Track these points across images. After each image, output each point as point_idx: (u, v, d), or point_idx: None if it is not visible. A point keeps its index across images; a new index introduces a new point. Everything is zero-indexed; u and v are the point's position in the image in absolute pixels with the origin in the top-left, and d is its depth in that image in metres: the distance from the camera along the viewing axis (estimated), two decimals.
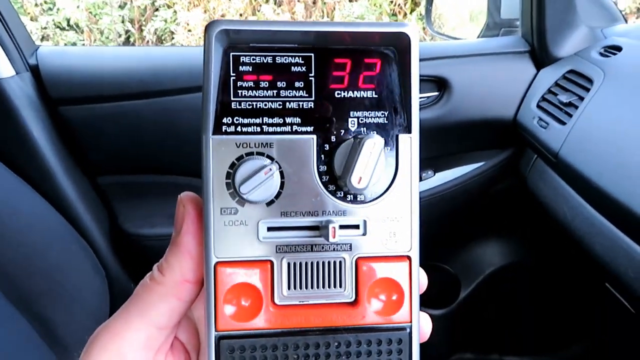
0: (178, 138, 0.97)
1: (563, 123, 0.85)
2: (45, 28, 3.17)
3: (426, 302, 1.13)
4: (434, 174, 1.05)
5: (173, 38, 3.27)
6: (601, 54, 0.91)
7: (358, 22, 0.29)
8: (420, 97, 1.00)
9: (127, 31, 3.30)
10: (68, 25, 3.24)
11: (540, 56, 1.01)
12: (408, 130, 0.29)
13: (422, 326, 0.30)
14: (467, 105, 1.01)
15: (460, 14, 1.88)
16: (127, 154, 0.99)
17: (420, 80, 1.02)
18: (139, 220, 1.00)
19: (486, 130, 1.04)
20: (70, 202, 0.94)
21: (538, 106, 0.94)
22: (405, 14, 3.29)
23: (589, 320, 1.11)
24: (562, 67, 0.95)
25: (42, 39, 3.15)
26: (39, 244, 0.85)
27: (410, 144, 0.29)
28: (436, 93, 1.01)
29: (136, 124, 0.97)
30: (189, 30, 3.25)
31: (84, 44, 3.22)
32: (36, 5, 3.19)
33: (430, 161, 1.06)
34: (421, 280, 0.30)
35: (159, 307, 0.28)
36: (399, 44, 0.28)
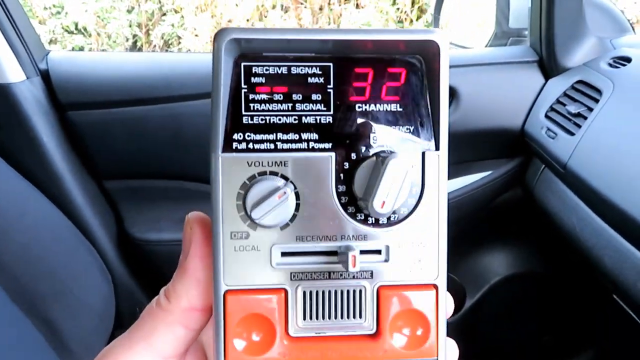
0: (186, 144, 0.98)
1: (572, 134, 0.84)
2: (53, 31, 3.19)
3: None
4: None
5: (180, 43, 3.28)
6: (610, 65, 0.91)
7: (381, 29, 0.28)
8: None
9: (134, 35, 3.32)
10: (76, 29, 3.26)
11: (549, 66, 1.01)
12: (436, 147, 0.26)
13: (450, 355, 0.28)
14: (475, 115, 1.01)
15: (468, 22, 1.88)
16: (135, 159, 1.00)
17: None
18: (145, 225, 1.01)
19: (493, 139, 1.04)
20: (78, 206, 0.95)
21: (546, 116, 0.94)
22: (411, 21, 3.30)
23: (595, 332, 1.10)
24: (570, 78, 0.95)
25: (50, 42, 3.17)
26: (46, 246, 0.85)
27: (438, 162, 0.26)
28: None
29: (144, 130, 0.97)
30: (196, 35, 3.27)
31: (91, 48, 3.24)
32: (45, 8, 3.21)
33: None
34: (448, 306, 0.27)
35: (164, 336, 0.26)
36: (427, 52, 0.26)
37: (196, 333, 0.27)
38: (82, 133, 0.97)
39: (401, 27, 3.29)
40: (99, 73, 0.98)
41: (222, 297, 0.25)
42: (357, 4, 3.27)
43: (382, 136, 0.26)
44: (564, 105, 0.91)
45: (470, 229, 1.15)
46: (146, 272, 1.04)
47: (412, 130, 0.26)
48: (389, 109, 0.26)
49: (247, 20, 3.19)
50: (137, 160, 1.01)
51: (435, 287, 0.27)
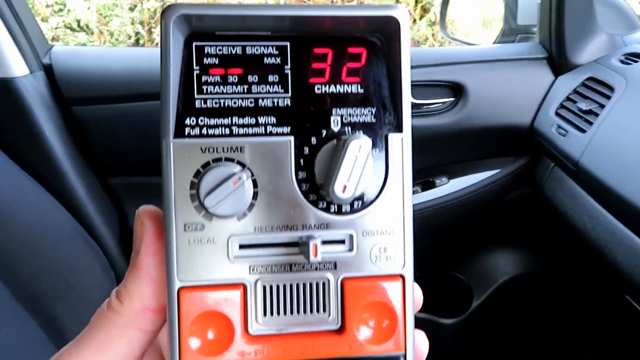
0: None
1: (583, 131, 0.83)
2: (56, 29, 3.18)
3: (437, 311, 1.12)
4: (449, 181, 1.04)
5: None
6: (622, 62, 0.90)
7: (340, 6, 0.25)
8: (436, 103, 0.99)
9: (136, 33, 3.31)
10: (78, 26, 3.25)
11: (559, 63, 0.99)
12: (399, 129, 0.25)
13: (419, 347, 0.26)
14: (483, 112, 1.00)
15: (473, 20, 1.87)
16: (138, 155, 0.98)
17: (436, 86, 1.01)
18: None
19: (502, 137, 1.02)
20: (81, 202, 0.94)
21: (556, 113, 0.92)
22: (414, 20, 3.28)
23: (603, 333, 1.09)
24: (581, 74, 0.94)
25: (53, 39, 3.16)
26: (48, 242, 0.84)
27: (401, 144, 0.25)
28: (452, 99, 1.00)
29: (149, 125, 0.96)
30: None
31: (94, 45, 3.23)
32: (47, 6, 3.20)
33: (444, 168, 1.05)
34: (416, 297, 0.26)
35: (117, 341, 0.24)
36: (388, 30, 0.25)
37: (151, 335, 0.25)
38: (86, 128, 0.96)
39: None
40: (103, 68, 0.97)
41: (176, 294, 0.24)
42: (360, 2, 3.26)
43: (343, 119, 0.25)
44: (575, 102, 0.90)
45: (477, 228, 1.14)
46: None
47: (374, 113, 0.25)
48: (349, 91, 0.25)
49: None
50: (140, 156, 1.00)
51: (402, 277, 0.25)
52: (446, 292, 1.14)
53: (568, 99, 0.92)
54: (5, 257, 0.77)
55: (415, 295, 0.26)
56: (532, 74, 1.01)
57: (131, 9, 3.32)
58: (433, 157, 1.05)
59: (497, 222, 1.12)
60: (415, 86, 0.98)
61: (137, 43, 3.33)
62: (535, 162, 1.02)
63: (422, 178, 1.05)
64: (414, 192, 1.03)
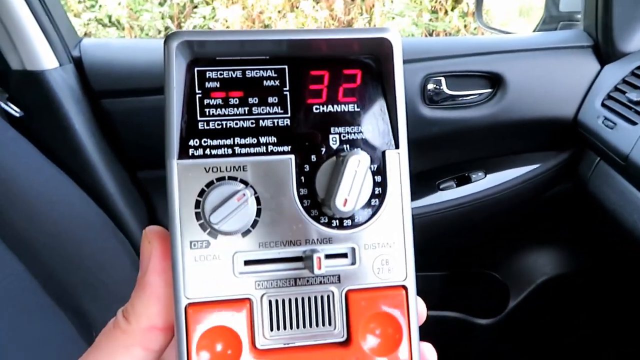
0: None
1: (634, 123, 0.78)
2: (87, 24, 3.23)
3: (472, 311, 1.08)
4: (485, 176, 1.00)
5: None
6: None
7: (334, 29, 0.26)
8: (472, 94, 0.95)
9: (166, 28, 3.34)
10: (110, 21, 3.29)
11: (605, 51, 0.93)
12: (395, 145, 0.26)
13: (427, 359, 0.26)
14: (523, 103, 0.95)
15: (509, 9, 1.80)
16: None
17: (472, 76, 0.97)
18: None
19: (543, 130, 0.97)
20: (110, 196, 0.93)
21: (603, 105, 0.87)
22: (446, 11, 3.21)
23: None
24: (630, 63, 0.88)
25: (85, 35, 3.21)
26: (77, 235, 0.84)
27: (398, 160, 0.26)
28: (489, 90, 0.95)
29: None
30: (227, 27, 3.26)
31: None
32: (79, 2, 3.25)
33: (481, 162, 1.01)
34: (420, 310, 0.27)
35: (123, 359, 0.24)
36: (381, 52, 0.26)
37: (157, 354, 0.25)
38: (115, 121, 0.95)
39: (435, 18, 3.20)
40: (132, 60, 0.96)
41: (184, 310, 0.24)
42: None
43: (342, 137, 0.26)
44: (624, 92, 0.84)
45: (514, 225, 1.09)
46: None
47: (370, 130, 0.26)
48: (346, 110, 0.26)
49: (279, 12, 3.16)
50: None
51: (405, 288, 0.26)
52: (481, 292, 1.09)
53: (616, 89, 0.87)
54: (36, 250, 0.77)
55: (419, 307, 0.26)
56: (576, 63, 0.96)
57: (161, 4, 3.35)
58: (469, 151, 1.01)
59: (536, 219, 1.08)
60: (451, 77, 0.94)
61: None
62: (578, 156, 0.97)
63: (457, 173, 1.00)
64: (448, 188, 0.99)
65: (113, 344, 0.25)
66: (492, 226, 1.06)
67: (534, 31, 1.14)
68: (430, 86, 0.93)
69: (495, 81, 0.95)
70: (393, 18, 3.17)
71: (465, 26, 3.21)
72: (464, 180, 1.00)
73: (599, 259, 1.05)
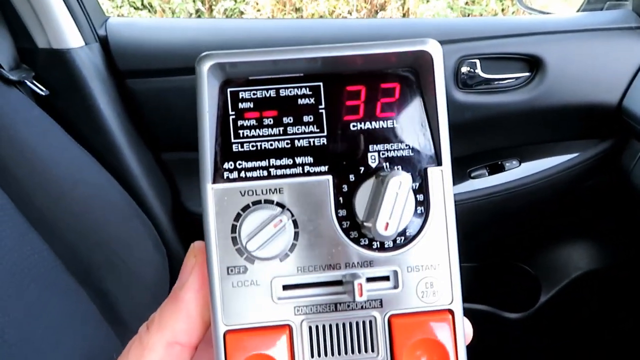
0: None
1: None
2: (120, 7, 3.26)
3: (502, 304, 1.04)
4: (519, 164, 0.95)
5: (242, 18, 3.26)
6: None
7: (371, 43, 0.24)
8: (509, 78, 0.90)
9: (197, 10, 3.34)
10: (142, 4, 3.31)
11: None
12: (438, 162, 0.25)
13: None
14: (563, 88, 0.90)
15: None
16: (193, 130, 0.96)
17: (509, 59, 0.91)
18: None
19: (583, 117, 0.92)
20: (134, 177, 0.93)
21: None
22: None
23: None
24: None
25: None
26: (101, 216, 0.84)
27: (442, 177, 0.25)
28: (527, 73, 0.90)
29: None
30: (258, 10, 3.23)
31: None
32: None
33: (515, 150, 0.96)
34: (467, 332, 0.26)
35: None
36: (420, 64, 0.25)
37: None
38: (140, 102, 0.94)
39: (472, 0, 3.09)
40: (158, 39, 0.95)
41: (222, 338, 0.24)
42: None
43: (380, 155, 0.25)
44: None
45: (549, 216, 1.04)
46: None
47: (411, 147, 0.25)
48: (385, 126, 0.25)
49: None
50: (195, 131, 0.97)
51: (451, 312, 0.25)
52: (512, 285, 1.05)
53: None
54: (59, 230, 0.77)
55: (466, 330, 0.25)
56: (623, 46, 0.90)
57: None
58: (503, 138, 0.96)
59: (572, 211, 1.02)
60: (486, 59, 0.89)
61: None
62: (621, 146, 0.91)
63: (490, 161, 0.96)
64: (480, 176, 0.95)
65: (139, 353, 0.24)
66: (525, 217, 1.01)
67: (577, 11, 1.08)
68: (464, 69, 0.89)
69: (534, 64, 0.90)
70: (428, 1, 3.08)
71: (502, 10, 3.10)
72: (497, 169, 0.96)
73: (637, 254, 1.00)
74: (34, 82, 0.83)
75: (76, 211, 0.79)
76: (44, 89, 0.84)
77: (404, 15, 3.09)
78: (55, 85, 0.86)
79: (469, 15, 3.09)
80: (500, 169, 0.95)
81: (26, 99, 0.81)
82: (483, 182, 0.94)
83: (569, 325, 1.06)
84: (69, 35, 0.86)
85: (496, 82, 0.90)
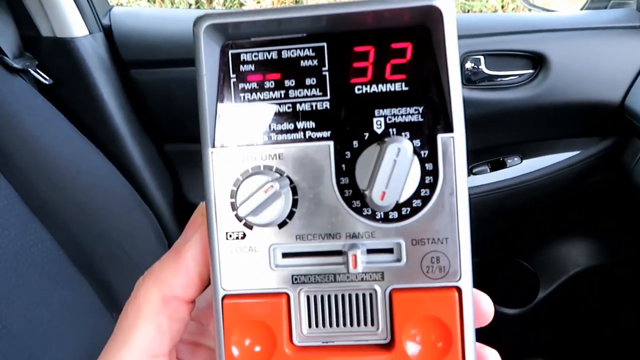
0: None
1: None
2: None
3: (499, 299, 1.05)
4: (522, 161, 0.96)
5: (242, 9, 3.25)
6: None
7: (377, 0, 0.23)
8: (512, 75, 0.90)
9: (197, 1, 3.31)
10: None
11: None
12: (449, 128, 0.23)
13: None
14: (567, 86, 0.90)
15: None
16: (195, 121, 0.96)
17: (513, 56, 0.92)
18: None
19: (586, 115, 0.92)
20: (137, 168, 0.93)
21: None
22: None
23: None
24: None
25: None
26: (103, 206, 0.84)
27: (452, 145, 0.23)
28: (531, 71, 0.90)
29: None
30: (258, 2, 3.22)
31: None
32: None
33: (517, 147, 0.96)
34: (485, 309, 0.24)
35: (145, 330, 0.24)
36: (431, 22, 0.23)
37: (180, 324, 0.24)
38: (143, 92, 0.94)
39: (465, 8, 3.09)
40: (163, 30, 0.94)
41: (220, 302, 0.24)
42: None
43: (387, 120, 0.23)
44: None
45: (549, 213, 1.05)
46: None
47: (421, 112, 0.23)
48: (393, 89, 0.23)
49: None
50: (198, 123, 0.97)
51: (458, 290, 0.23)
52: (511, 281, 1.06)
53: None
54: (62, 220, 0.77)
55: (485, 308, 0.24)
56: (626, 45, 0.90)
57: None
58: (505, 135, 0.96)
59: (573, 208, 1.03)
60: (490, 56, 0.89)
61: None
62: (622, 144, 0.91)
63: (492, 157, 0.96)
64: (481, 172, 0.95)
65: (135, 316, 0.24)
66: (525, 214, 1.02)
67: (581, 9, 1.08)
68: (469, 65, 0.89)
69: (537, 62, 0.90)
70: None
71: (502, 7, 3.10)
72: (498, 165, 0.96)
73: (636, 252, 1.01)
74: (37, 70, 0.82)
75: (79, 200, 0.79)
76: (47, 77, 0.83)
77: None
78: (59, 74, 0.85)
79: (469, 11, 3.09)
80: (501, 165, 0.95)
81: (30, 87, 0.80)
82: (484, 178, 0.95)
83: (567, 322, 1.07)
84: (73, 24, 0.86)
85: (500, 79, 0.90)
